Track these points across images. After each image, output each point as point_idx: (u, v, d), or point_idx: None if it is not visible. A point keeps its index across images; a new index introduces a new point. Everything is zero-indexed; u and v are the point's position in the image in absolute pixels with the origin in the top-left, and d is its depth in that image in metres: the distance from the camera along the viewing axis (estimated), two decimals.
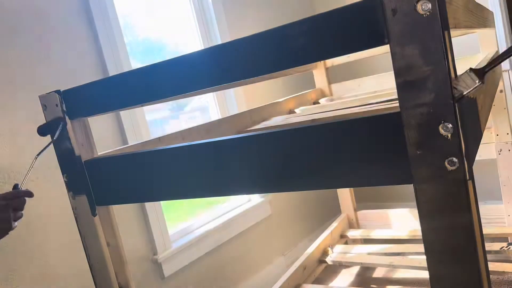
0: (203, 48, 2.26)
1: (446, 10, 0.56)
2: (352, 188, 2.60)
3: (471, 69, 0.58)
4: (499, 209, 2.14)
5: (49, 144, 0.95)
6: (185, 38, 2.29)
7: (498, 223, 2.15)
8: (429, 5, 0.53)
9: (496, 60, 0.62)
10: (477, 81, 0.57)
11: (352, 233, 2.53)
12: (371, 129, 0.62)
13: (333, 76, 2.43)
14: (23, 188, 0.98)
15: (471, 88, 0.56)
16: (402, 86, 0.57)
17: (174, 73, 0.79)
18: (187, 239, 2.02)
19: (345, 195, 2.61)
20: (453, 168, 0.56)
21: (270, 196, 2.50)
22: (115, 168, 0.92)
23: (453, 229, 0.57)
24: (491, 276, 1.92)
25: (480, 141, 0.83)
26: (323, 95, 2.32)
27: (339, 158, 0.65)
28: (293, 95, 2.05)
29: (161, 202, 1.92)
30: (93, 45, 1.75)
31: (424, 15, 0.54)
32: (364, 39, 0.60)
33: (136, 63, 1.97)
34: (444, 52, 0.54)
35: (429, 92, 0.55)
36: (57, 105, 0.93)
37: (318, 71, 2.35)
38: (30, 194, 0.97)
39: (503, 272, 1.85)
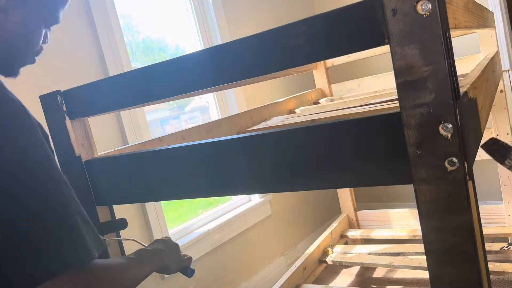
0: (203, 48, 2.26)
1: (446, 10, 0.56)
2: (352, 188, 2.60)
3: None
4: (499, 209, 2.14)
5: None
6: (185, 38, 2.29)
7: (498, 223, 2.15)
8: (429, 5, 0.53)
9: None
10: None
11: (352, 233, 2.53)
12: (371, 129, 0.62)
13: (333, 76, 2.43)
14: None
15: None
16: (402, 86, 0.57)
17: (174, 73, 0.80)
18: (187, 239, 2.02)
19: (345, 195, 2.61)
20: (453, 168, 0.56)
21: (270, 196, 2.50)
22: (115, 168, 0.92)
23: (453, 229, 0.57)
24: (491, 276, 1.92)
25: (480, 141, 0.83)
26: (323, 95, 2.32)
27: (339, 158, 0.65)
28: (293, 95, 2.05)
29: (161, 202, 1.92)
30: (93, 45, 1.75)
31: (424, 15, 0.54)
32: (364, 39, 0.60)
33: (136, 63, 1.97)
34: (444, 52, 0.54)
35: (429, 92, 0.55)
36: (57, 105, 0.93)
37: (318, 71, 2.35)
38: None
39: (503, 272, 1.85)
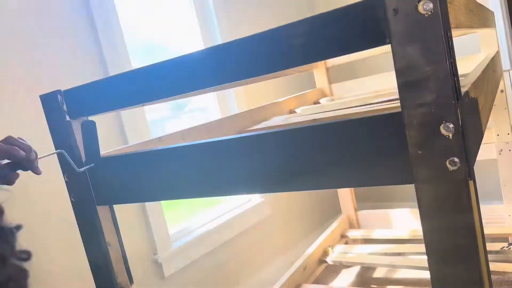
0: (203, 48, 2.26)
1: (447, 10, 0.56)
2: (352, 188, 2.60)
3: None
4: (499, 209, 2.14)
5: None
6: (186, 38, 2.29)
7: (498, 223, 2.15)
8: (431, 5, 0.53)
9: None
10: None
11: (353, 233, 2.53)
12: (372, 129, 0.62)
13: (333, 76, 2.43)
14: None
15: None
16: (403, 86, 0.57)
17: (174, 73, 0.79)
18: (187, 239, 2.01)
19: (345, 195, 2.61)
20: (454, 168, 0.56)
21: (270, 196, 2.49)
22: (115, 168, 0.92)
23: (454, 229, 0.57)
24: (492, 276, 1.92)
25: (481, 141, 0.83)
26: (323, 95, 2.32)
27: (339, 158, 0.65)
28: (294, 95, 2.05)
29: (161, 202, 1.92)
30: (93, 45, 1.75)
31: (426, 15, 0.54)
32: (365, 39, 0.59)
33: (136, 63, 1.97)
34: (446, 52, 0.54)
35: (431, 92, 0.55)
36: (58, 105, 0.93)
37: (319, 71, 2.35)
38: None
39: (504, 272, 1.85)
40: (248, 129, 1.51)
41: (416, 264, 2.03)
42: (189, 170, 0.81)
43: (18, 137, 0.81)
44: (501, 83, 1.96)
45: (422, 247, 2.12)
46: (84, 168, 0.91)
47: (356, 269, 2.42)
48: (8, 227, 0.58)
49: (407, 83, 0.56)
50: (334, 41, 0.62)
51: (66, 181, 0.97)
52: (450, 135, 0.55)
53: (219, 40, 2.31)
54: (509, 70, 2.38)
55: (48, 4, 1.61)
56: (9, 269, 0.60)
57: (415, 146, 0.58)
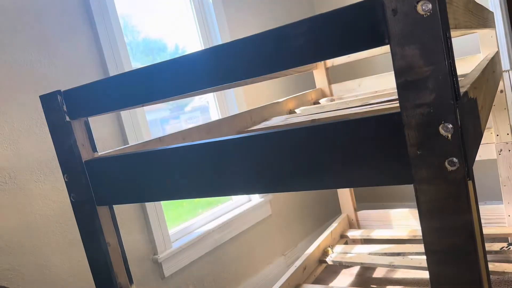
0: (203, 48, 2.26)
1: (446, 11, 0.56)
2: (352, 188, 2.60)
3: None
4: (499, 209, 2.14)
5: None
6: (185, 38, 2.29)
7: (498, 223, 2.15)
8: (430, 6, 0.53)
9: None
10: None
11: (352, 233, 2.53)
12: (371, 129, 0.62)
13: (333, 76, 2.43)
14: None
15: None
16: (403, 86, 0.57)
17: (174, 73, 0.80)
18: (187, 239, 2.02)
19: (345, 195, 2.61)
20: (453, 168, 0.56)
21: (270, 196, 2.50)
22: (115, 168, 0.92)
23: (453, 229, 0.57)
24: (491, 276, 1.92)
25: (481, 141, 0.83)
26: (323, 95, 2.32)
27: (339, 158, 0.65)
28: (293, 95, 2.05)
29: (161, 202, 1.92)
30: (93, 45, 1.75)
31: (425, 15, 0.54)
32: (364, 39, 0.60)
33: (136, 63, 1.97)
34: (445, 52, 0.54)
35: (430, 92, 0.55)
36: (58, 105, 0.93)
37: (318, 71, 2.35)
38: None
39: (503, 272, 1.85)
40: (248, 129, 1.51)
41: (415, 264, 2.03)
42: (189, 170, 0.81)
43: None
44: (501, 83, 1.96)
45: (421, 247, 2.12)
46: None
47: (355, 269, 2.42)
48: None
49: (406, 84, 0.57)
50: (334, 41, 0.62)
51: (66, 181, 0.97)
52: (449, 136, 0.55)
53: (219, 40, 2.31)
54: (508, 71, 2.38)
55: (47, 5, 1.61)
56: None
57: (414, 146, 0.58)
